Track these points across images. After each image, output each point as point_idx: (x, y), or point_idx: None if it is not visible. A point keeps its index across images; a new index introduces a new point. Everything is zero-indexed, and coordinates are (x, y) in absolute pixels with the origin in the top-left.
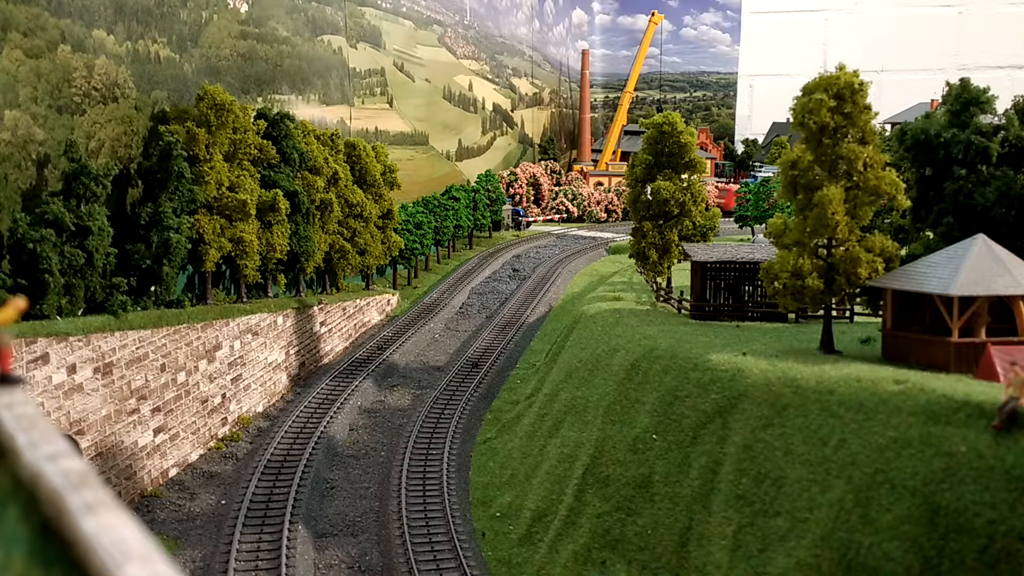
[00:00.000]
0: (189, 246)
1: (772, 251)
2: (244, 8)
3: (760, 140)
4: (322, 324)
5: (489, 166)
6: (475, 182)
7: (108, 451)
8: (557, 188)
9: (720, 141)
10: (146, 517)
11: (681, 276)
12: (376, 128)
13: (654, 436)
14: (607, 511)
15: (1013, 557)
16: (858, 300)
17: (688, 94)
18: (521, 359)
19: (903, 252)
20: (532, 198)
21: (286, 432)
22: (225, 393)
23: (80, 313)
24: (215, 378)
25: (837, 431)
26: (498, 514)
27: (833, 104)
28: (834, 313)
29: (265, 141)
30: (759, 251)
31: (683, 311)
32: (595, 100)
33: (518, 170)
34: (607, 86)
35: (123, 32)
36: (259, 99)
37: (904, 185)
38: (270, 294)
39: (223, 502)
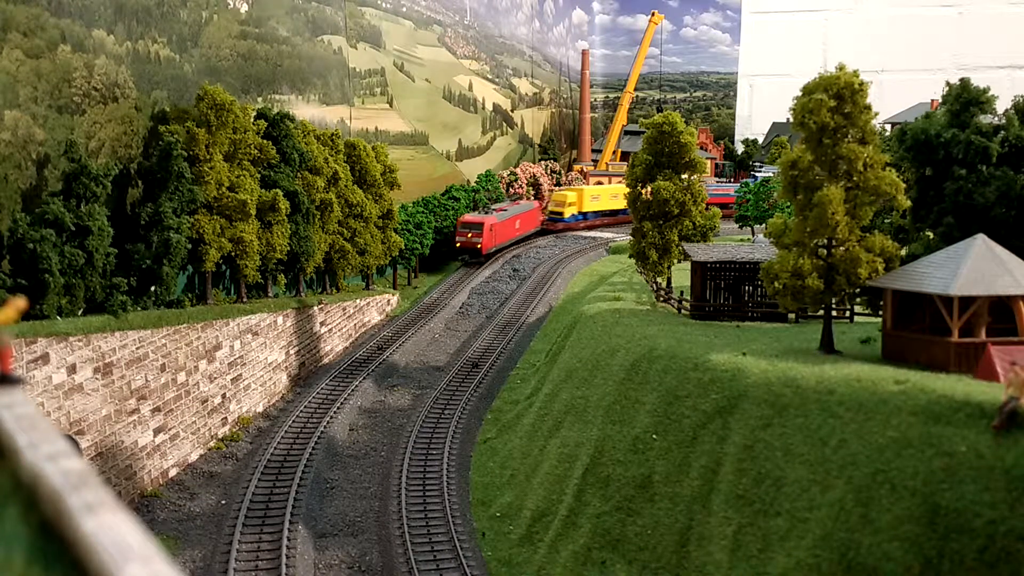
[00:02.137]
0: (189, 246)
1: (772, 251)
2: (244, 8)
3: (760, 140)
4: (322, 324)
5: (489, 166)
6: (475, 182)
7: (108, 451)
8: (557, 188)
9: (720, 141)
10: (146, 517)
11: (681, 276)
12: (376, 128)
13: (654, 436)
14: (607, 511)
15: (1013, 557)
16: (858, 300)
17: (688, 94)
18: (521, 359)
19: (903, 252)
20: (532, 198)
21: (286, 432)
22: (225, 393)
23: (80, 313)
24: (215, 378)
25: (837, 431)
26: (498, 514)
27: (833, 104)
28: (834, 313)
29: (265, 141)
30: (759, 251)
31: (683, 311)
32: (595, 100)
33: (518, 170)
34: (607, 86)
35: (123, 32)
36: (259, 99)
37: (904, 185)
38: (270, 294)
39: (223, 502)
